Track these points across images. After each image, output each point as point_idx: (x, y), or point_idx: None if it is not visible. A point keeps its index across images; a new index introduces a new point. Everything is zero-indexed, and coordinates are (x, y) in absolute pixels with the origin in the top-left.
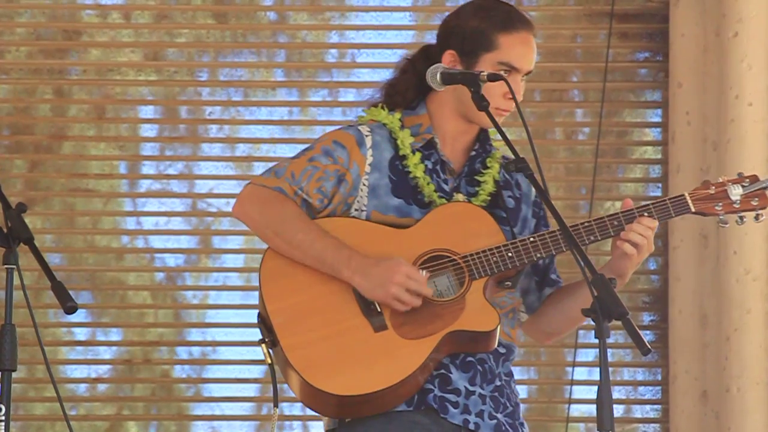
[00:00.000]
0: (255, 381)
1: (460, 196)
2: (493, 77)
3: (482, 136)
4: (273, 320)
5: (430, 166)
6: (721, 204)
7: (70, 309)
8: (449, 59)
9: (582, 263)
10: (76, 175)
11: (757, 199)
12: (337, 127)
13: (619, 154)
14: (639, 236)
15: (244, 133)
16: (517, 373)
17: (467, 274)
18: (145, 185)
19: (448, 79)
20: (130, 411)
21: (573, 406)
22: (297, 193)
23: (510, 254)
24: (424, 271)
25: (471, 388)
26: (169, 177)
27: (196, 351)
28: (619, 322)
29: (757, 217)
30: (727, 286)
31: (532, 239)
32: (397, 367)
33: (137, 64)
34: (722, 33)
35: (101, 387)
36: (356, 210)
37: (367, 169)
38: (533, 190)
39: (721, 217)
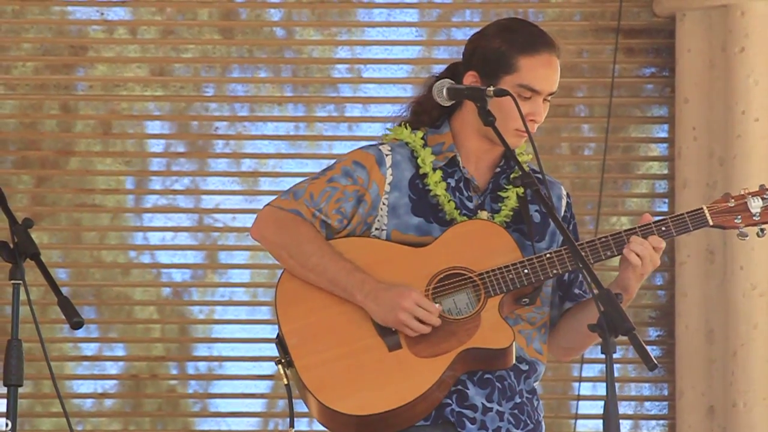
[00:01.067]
0: (261, 396)
1: (484, 214)
2: (500, 93)
3: (509, 153)
4: (288, 341)
5: (453, 184)
6: (740, 216)
7: (77, 324)
8: (471, 80)
9: (588, 278)
10: (83, 191)
11: None
12: (360, 145)
13: (625, 169)
14: (642, 248)
15: (250, 148)
16: None
17: (483, 291)
18: (151, 200)
19: (455, 94)
20: (137, 426)
21: (579, 422)
22: (315, 215)
23: (526, 271)
24: (438, 304)
25: (488, 405)
26: (175, 192)
27: (202, 366)
28: (625, 338)
29: None
30: (733, 302)
31: (548, 255)
32: (412, 385)
33: (144, 79)
34: (728, 48)
35: (108, 402)
36: (377, 229)
37: (387, 188)
38: (563, 204)
39: (741, 230)
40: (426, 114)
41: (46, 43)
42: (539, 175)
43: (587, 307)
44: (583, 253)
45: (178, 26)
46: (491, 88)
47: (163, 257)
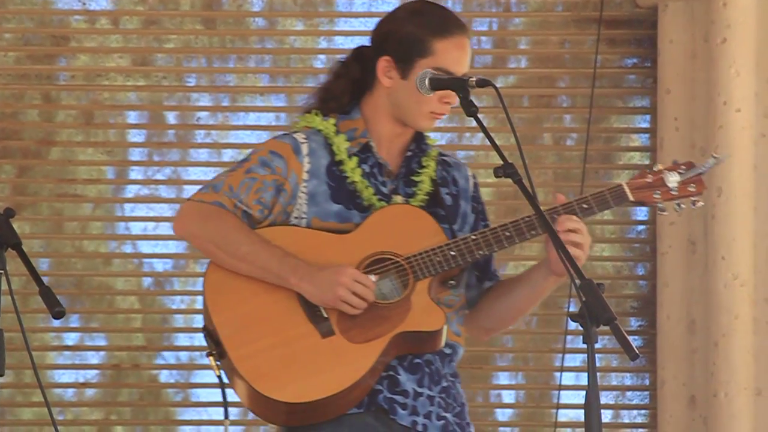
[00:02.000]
0: None
1: (398, 198)
2: (482, 83)
3: (417, 136)
4: (220, 332)
5: (367, 169)
6: (659, 192)
7: (58, 314)
8: (384, 65)
9: (570, 268)
10: (64, 181)
11: (694, 185)
12: (272, 137)
13: (607, 159)
14: (576, 235)
15: (232, 138)
16: (505, 377)
17: (411, 275)
18: (133, 190)
19: (437, 84)
20: (118, 416)
21: (561, 411)
22: (237, 206)
23: (453, 253)
24: (373, 276)
25: (419, 390)
26: (157, 182)
27: (183, 356)
28: (607, 328)
29: (694, 203)
30: (715, 292)
31: (473, 237)
32: (347, 371)
33: (125, 69)
34: (711, 39)
35: (89, 392)
36: (295, 218)
37: (305, 176)
38: (470, 185)
39: (659, 205)
40: (335, 100)
41: (27, 33)
42: (447, 158)
43: (511, 288)
44: (508, 234)
45: (160, 16)
46: (473, 78)
47: (145, 247)
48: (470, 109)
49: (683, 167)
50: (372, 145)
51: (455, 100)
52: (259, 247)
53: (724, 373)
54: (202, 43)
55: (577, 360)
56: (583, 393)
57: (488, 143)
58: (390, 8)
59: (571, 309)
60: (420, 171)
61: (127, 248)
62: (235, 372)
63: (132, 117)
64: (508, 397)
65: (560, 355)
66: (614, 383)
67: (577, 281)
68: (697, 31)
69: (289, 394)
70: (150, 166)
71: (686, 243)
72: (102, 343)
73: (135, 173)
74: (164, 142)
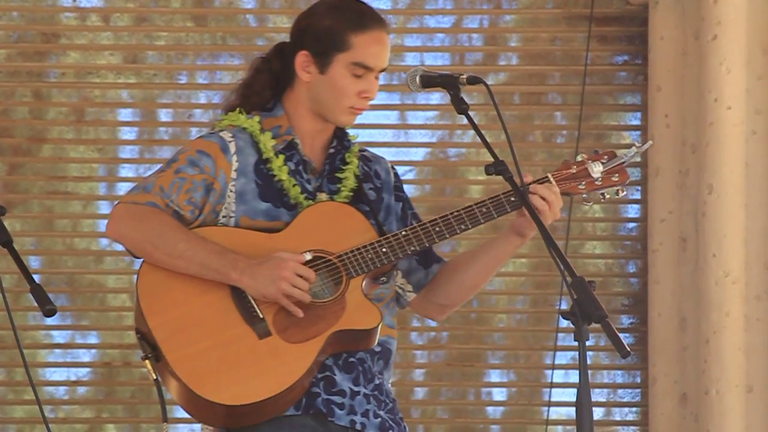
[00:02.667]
0: None
1: (323, 196)
2: (473, 80)
3: (339, 133)
4: (156, 335)
5: (293, 167)
6: (584, 182)
7: (49, 312)
8: (302, 60)
9: (561, 266)
10: (55, 178)
11: (617, 175)
12: (198, 136)
13: None
14: (548, 192)
15: None
16: (496, 375)
17: (344, 273)
18: (124, 188)
19: (427, 81)
20: (110, 414)
21: (552, 409)
22: (168, 206)
23: (384, 249)
24: (309, 253)
25: (355, 389)
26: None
27: None
28: (598, 325)
29: (617, 193)
30: (706, 289)
31: (404, 233)
32: (286, 372)
33: (116, 66)
34: (701, 36)
35: (81, 390)
36: (224, 217)
37: (233, 175)
38: (392, 177)
39: (584, 195)
40: (256, 95)
41: (18, 30)
42: (366, 153)
43: (468, 262)
44: (437, 228)
45: (150, 13)
46: (464, 76)
47: None
48: (461, 107)
49: (606, 157)
50: (297, 142)
51: (374, 94)
52: (197, 244)
53: (715, 370)
54: (193, 41)
55: (568, 357)
56: (575, 390)
57: (479, 140)
58: (381, 5)
59: (563, 307)
60: (344, 168)
61: (119, 246)
62: (173, 375)
63: (123, 114)
64: (499, 394)
65: (551, 353)
66: (605, 381)
67: (569, 279)
68: (687, 28)
69: (229, 396)
70: (141, 164)
71: (677, 240)
72: (93, 341)
73: (126, 171)
74: (155, 139)
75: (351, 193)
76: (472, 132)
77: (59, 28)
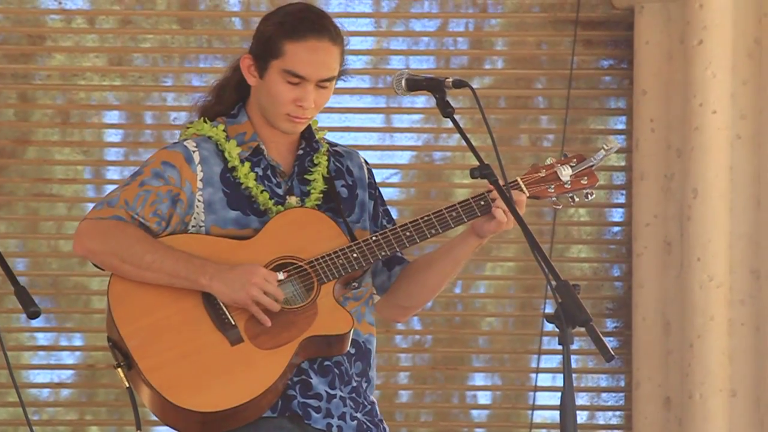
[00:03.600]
0: None
1: (293, 199)
2: (458, 84)
3: (307, 134)
4: (128, 343)
5: (260, 173)
6: (553, 186)
7: (33, 314)
8: (246, 63)
9: (545, 269)
10: (40, 180)
11: (586, 178)
12: (162, 147)
13: None
14: (502, 214)
15: None
16: (481, 378)
17: (315, 279)
18: (109, 190)
19: (413, 85)
20: (94, 416)
21: (536, 413)
22: (134, 218)
23: (355, 255)
24: (282, 273)
25: (331, 392)
26: None
27: None
28: (582, 329)
29: (587, 196)
30: (690, 293)
31: (374, 238)
32: (258, 378)
33: (102, 69)
34: (687, 41)
35: (64, 392)
36: (194, 227)
37: (199, 185)
38: (365, 172)
39: (553, 199)
40: (227, 95)
41: (3, 32)
42: (338, 148)
43: (430, 263)
44: (408, 233)
45: (136, 16)
46: (450, 79)
47: None
48: (446, 110)
49: (575, 160)
50: (262, 147)
51: (309, 103)
52: (164, 254)
53: (699, 374)
54: (178, 43)
55: (553, 361)
56: (559, 394)
57: (464, 144)
58: (366, 9)
59: (547, 310)
60: (312, 169)
61: None
62: (146, 383)
63: (108, 117)
64: (483, 398)
65: (536, 357)
66: (590, 384)
67: (553, 282)
68: (673, 33)
69: (203, 403)
70: (126, 166)
71: (662, 244)
72: (77, 343)
73: (111, 173)
74: (141, 142)
75: (321, 194)
76: (457, 135)
77: (44, 30)
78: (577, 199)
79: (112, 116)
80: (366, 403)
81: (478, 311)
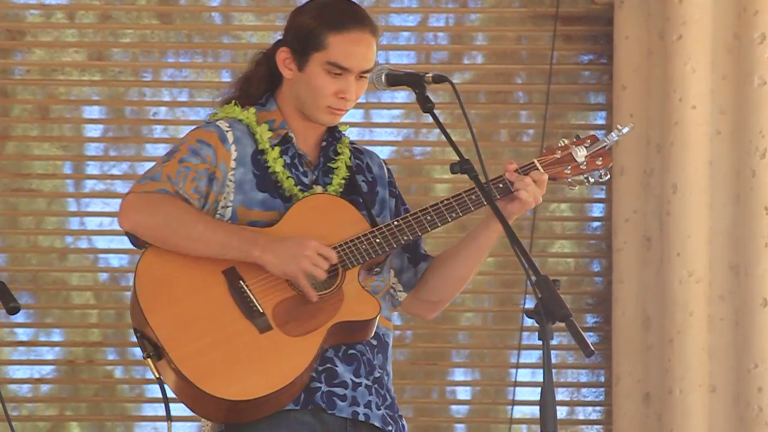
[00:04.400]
0: None
1: (318, 188)
2: (438, 79)
3: (330, 126)
4: (158, 333)
5: (288, 161)
6: (569, 167)
7: (13, 309)
8: (283, 56)
9: (525, 264)
10: (20, 175)
11: (600, 158)
12: (195, 127)
13: None
14: (525, 194)
15: None
16: (461, 374)
17: (340, 265)
18: (89, 185)
19: (393, 80)
20: (74, 412)
21: (516, 408)
22: (178, 193)
23: (378, 240)
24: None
25: (357, 380)
26: (113, 177)
27: (139, 352)
28: (562, 324)
29: (600, 176)
30: (670, 289)
31: (396, 223)
32: (289, 365)
33: (81, 64)
34: (666, 36)
35: (44, 387)
36: (223, 207)
37: (233, 164)
38: (385, 171)
39: (569, 180)
40: (254, 88)
41: None
42: (357, 146)
43: (455, 255)
44: (429, 217)
45: (116, 11)
46: (429, 74)
47: (101, 242)
48: (426, 105)
49: (588, 141)
50: (291, 136)
51: (351, 95)
52: (215, 225)
53: (678, 369)
54: (158, 38)
55: (533, 356)
56: (539, 389)
57: (444, 139)
58: None
59: (527, 306)
60: (335, 158)
61: (83, 243)
62: (177, 372)
63: (88, 112)
64: (463, 393)
65: (516, 352)
66: (570, 380)
67: (533, 277)
68: (652, 28)
69: (234, 392)
70: (106, 161)
71: (641, 239)
72: (57, 338)
73: (91, 168)
74: (121, 137)
75: (343, 181)
76: (437, 130)
77: (24, 25)
78: (592, 180)
79: (92, 111)
80: (388, 396)
81: (458, 307)
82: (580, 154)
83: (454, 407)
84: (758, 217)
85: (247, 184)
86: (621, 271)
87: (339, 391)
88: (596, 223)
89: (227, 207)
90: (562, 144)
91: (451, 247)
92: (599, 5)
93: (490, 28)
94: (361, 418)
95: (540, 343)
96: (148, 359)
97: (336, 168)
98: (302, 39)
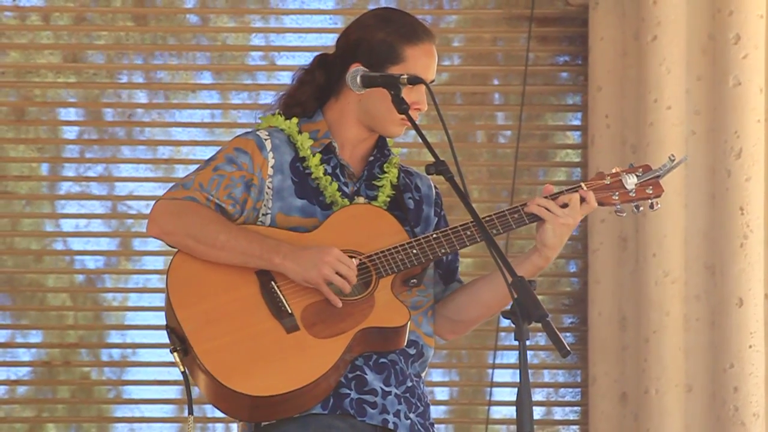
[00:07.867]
0: (176, 383)
1: (361, 199)
2: (414, 80)
3: (380, 143)
4: (185, 327)
5: (329, 170)
6: (617, 193)
7: None
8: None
9: (501, 265)
10: None
11: (651, 188)
12: (236, 136)
13: (540, 156)
14: (543, 204)
15: (164, 135)
16: (438, 374)
17: (374, 272)
18: (65, 187)
19: (369, 82)
20: (50, 413)
21: (493, 408)
22: (209, 200)
23: (415, 251)
24: (356, 259)
25: (386, 389)
26: (89, 179)
27: (116, 353)
28: (539, 325)
29: (652, 206)
30: (646, 289)
31: (435, 235)
32: (312, 366)
33: (57, 66)
34: (641, 37)
35: (21, 389)
36: (263, 215)
37: (270, 171)
38: (433, 191)
39: (618, 206)
40: (299, 106)
41: None
42: (408, 168)
43: (490, 281)
44: (468, 232)
45: (91, 12)
46: (405, 76)
47: (77, 244)
48: (401, 107)
49: (640, 170)
50: (335, 145)
51: (425, 105)
52: (238, 234)
53: (654, 369)
54: (133, 40)
55: (510, 357)
56: (516, 390)
57: (420, 141)
58: (323, 6)
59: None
60: (381, 176)
61: (59, 245)
62: (200, 367)
63: (63, 114)
64: (441, 393)
65: (493, 353)
66: (546, 380)
67: (509, 278)
68: (627, 29)
69: (254, 387)
70: (82, 163)
71: (617, 240)
72: (34, 340)
73: (67, 170)
74: (96, 139)
75: (388, 199)
76: (413, 132)
77: None
78: (641, 209)
79: (68, 113)
80: (420, 405)
81: None
82: (630, 181)
83: (431, 407)
84: (734, 217)
85: (285, 191)
86: (597, 271)
87: (369, 398)
88: None
89: (267, 214)
90: (614, 171)
91: (488, 274)
92: (574, 6)
93: (465, 30)
94: (391, 426)
95: (517, 343)
96: (174, 353)
97: (381, 185)
98: (378, 53)
